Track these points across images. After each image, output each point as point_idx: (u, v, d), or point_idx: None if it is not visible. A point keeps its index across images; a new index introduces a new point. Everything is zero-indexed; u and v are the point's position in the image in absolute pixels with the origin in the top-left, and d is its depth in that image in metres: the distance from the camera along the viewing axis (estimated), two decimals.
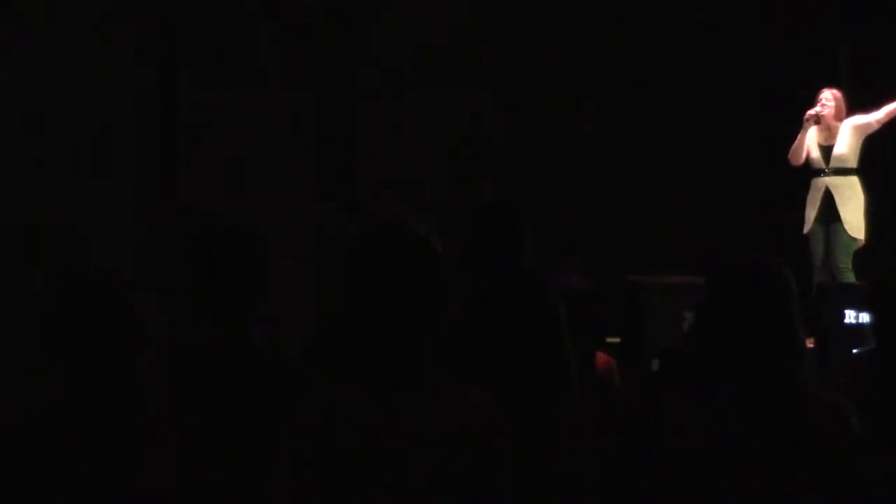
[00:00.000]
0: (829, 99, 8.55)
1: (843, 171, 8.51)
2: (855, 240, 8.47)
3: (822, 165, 8.54)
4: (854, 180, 8.52)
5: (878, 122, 8.52)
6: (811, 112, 8.49)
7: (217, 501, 2.93)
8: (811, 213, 8.56)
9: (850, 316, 7.11)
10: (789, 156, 8.60)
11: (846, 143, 8.51)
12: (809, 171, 8.62)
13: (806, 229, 8.59)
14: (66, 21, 8.18)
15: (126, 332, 2.77)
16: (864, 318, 7.23)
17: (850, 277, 8.34)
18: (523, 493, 2.72)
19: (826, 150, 8.53)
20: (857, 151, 8.53)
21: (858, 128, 8.53)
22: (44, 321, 2.76)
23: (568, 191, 9.44)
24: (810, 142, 8.59)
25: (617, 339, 7.36)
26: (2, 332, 6.98)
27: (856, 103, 8.81)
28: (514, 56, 9.76)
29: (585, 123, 9.73)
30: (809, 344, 7.02)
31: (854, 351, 6.26)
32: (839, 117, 8.56)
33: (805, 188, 8.69)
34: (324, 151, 9.18)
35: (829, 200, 8.49)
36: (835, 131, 8.54)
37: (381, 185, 9.11)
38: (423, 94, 9.37)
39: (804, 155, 8.58)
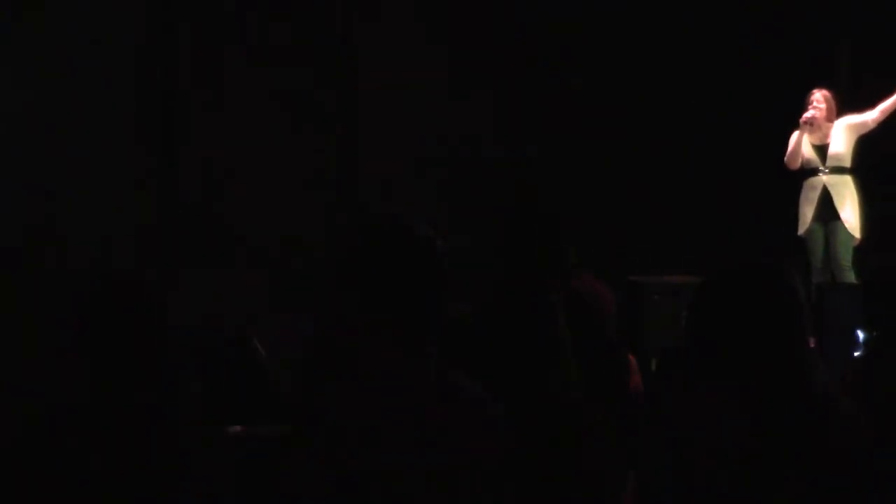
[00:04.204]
0: (819, 101, 8.59)
1: (839, 171, 8.54)
2: (853, 237, 8.50)
3: (819, 165, 8.56)
4: (849, 179, 8.56)
5: (874, 121, 8.57)
6: (807, 115, 8.52)
7: (226, 496, 2.93)
8: (808, 213, 8.57)
9: (849, 316, 7.11)
10: (786, 160, 8.61)
11: (842, 142, 8.54)
12: (804, 171, 8.63)
13: (802, 230, 8.60)
14: (67, 20, 8.18)
15: (157, 331, 2.77)
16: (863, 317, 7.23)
17: (851, 276, 8.35)
18: (522, 490, 2.73)
19: (821, 150, 8.56)
20: (852, 151, 8.58)
21: (853, 127, 8.57)
22: (73, 320, 2.76)
23: (568, 191, 9.44)
24: (803, 143, 8.60)
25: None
26: (26, 331, 6.98)
27: (855, 103, 8.82)
28: (515, 56, 9.76)
29: (586, 124, 9.73)
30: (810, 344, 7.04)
31: (855, 353, 6.28)
32: (830, 118, 8.60)
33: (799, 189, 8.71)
34: (324, 151, 9.17)
35: (826, 199, 8.51)
36: (827, 131, 8.58)
37: (381, 185, 9.12)
38: (424, 94, 9.37)
39: (800, 158, 8.60)
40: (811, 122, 8.52)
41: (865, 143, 8.69)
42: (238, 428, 4.32)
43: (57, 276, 7.31)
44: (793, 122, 8.64)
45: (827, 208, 8.52)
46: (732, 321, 2.90)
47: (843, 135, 8.56)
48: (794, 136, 8.61)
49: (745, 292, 2.91)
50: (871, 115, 8.57)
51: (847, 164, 8.57)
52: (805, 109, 8.58)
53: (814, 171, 8.59)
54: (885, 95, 8.59)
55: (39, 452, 2.69)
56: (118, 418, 2.71)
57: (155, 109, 8.65)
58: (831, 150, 8.54)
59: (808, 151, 8.59)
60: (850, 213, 8.48)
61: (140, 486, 2.67)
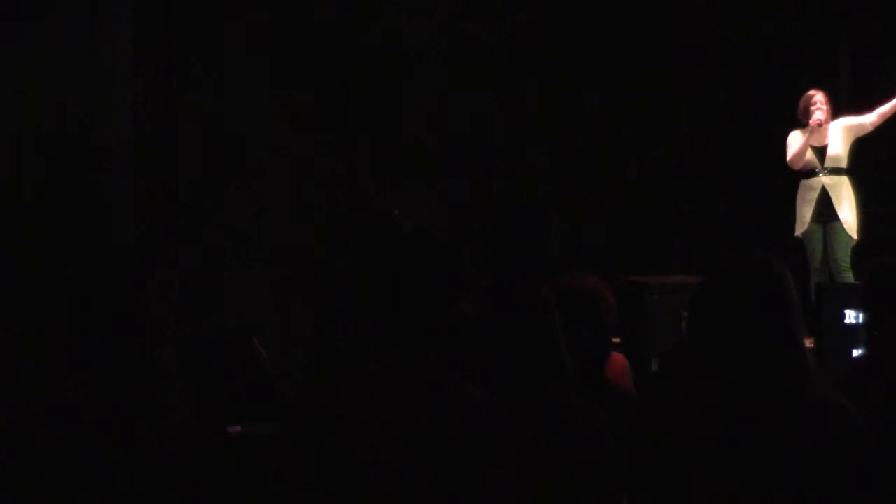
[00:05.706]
0: (823, 102, 8.62)
1: (837, 171, 8.57)
2: (851, 238, 8.53)
3: (817, 166, 8.58)
4: (847, 180, 8.59)
5: (871, 124, 8.63)
6: (817, 118, 8.52)
7: (224, 496, 2.93)
8: (807, 214, 8.59)
9: (849, 316, 7.11)
10: (791, 161, 8.61)
11: (840, 143, 8.58)
12: (802, 172, 8.65)
13: (800, 231, 8.62)
14: (67, 18, 8.18)
15: (145, 328, 2.76)
16: (863, 317, 7.24)
17: (850, 276, 8.37)
18: (521, 489, 2.73)
19: (820, 151, 8.60)
20: (849, 152, 8.60)
21: (851, 129, 8.61)
22: (63, 318, 2.76)
23: (568, 191, 9.44)
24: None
25: (617, 339, 7.37)
26: (20, 329, 6.98)
27: (855, 103, 8.83)
28: (516, 56, 9.76)
29: (586, 123, 9.74)
30: (809, 344, 7.04)
31: (854, 353, 6.28)
32: (828, 119, 8.63)
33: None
34: (324, 150, 9.18)
35: (825, 200, 8.54)
36: (825, 132, 8.61)
37: (381, 185, 9.12)
38: (424, 94, 9.37)
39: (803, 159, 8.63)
40: (820, 124, 8.52)
41: (862, 143, 8.71)
42: (238, 428, 4.32)
43: (55, 277, 7.30)
44: (793, 122, 8.65)
45: (825, 209, 8.54)
46: (728, 318, 2.90)
47: (840, 136, 8.59)
48: (793, 136, 8.62)
49: (740, 288, 2.92)
50: (869, 119, 8.60)
51: (844, 164, 8.60)
52: (804, 110, 8.58)
53: (812, 172, 8.61)
54: (884, 96, 8.60)
55: (29, 451, 2.68)
56: (103, 417, 2.71)
57: (154, 109, 8.64)
58: (830, 151, 8.56)
59: (807, 153, 8.61)
60: (848, 214, 8.51)
61: (131, 486, 2.67)
